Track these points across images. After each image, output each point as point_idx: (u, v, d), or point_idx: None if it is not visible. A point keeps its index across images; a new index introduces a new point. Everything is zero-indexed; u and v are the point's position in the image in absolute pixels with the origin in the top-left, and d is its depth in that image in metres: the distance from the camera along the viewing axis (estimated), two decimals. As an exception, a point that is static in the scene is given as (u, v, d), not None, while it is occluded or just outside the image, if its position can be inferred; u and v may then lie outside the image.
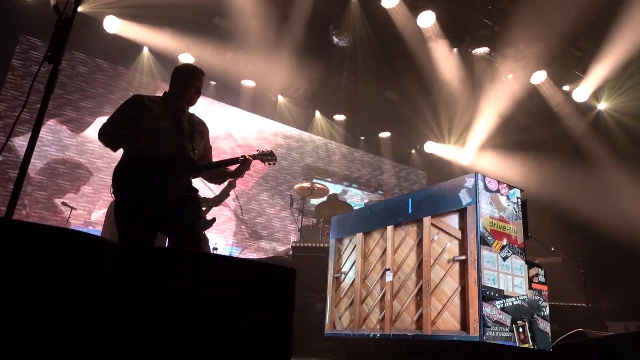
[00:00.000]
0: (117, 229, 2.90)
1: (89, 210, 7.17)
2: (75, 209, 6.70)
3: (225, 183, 5.63)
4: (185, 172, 3.04)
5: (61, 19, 1.97)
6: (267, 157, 3.43)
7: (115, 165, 3.03)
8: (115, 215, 2.92)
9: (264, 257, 8.25)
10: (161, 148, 2.99)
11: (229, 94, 8.78)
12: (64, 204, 6.62)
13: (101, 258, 1.06)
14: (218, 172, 3.33)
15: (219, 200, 6.08)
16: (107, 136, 3.04)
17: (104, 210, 6.77)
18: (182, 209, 2.96)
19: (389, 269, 4.02)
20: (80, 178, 7.20)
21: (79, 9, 2.10)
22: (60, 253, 1.04)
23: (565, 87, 8.28)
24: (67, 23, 1.96)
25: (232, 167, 3.36)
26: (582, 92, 8.02)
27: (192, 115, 3.30)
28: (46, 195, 6.90)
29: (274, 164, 3.46)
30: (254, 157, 3.36)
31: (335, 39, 7.44)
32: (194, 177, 3.16)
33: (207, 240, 5.92)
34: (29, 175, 6.84)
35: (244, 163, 3.26)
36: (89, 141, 7.38)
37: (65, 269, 1.07)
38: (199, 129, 3.25)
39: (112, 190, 2.93)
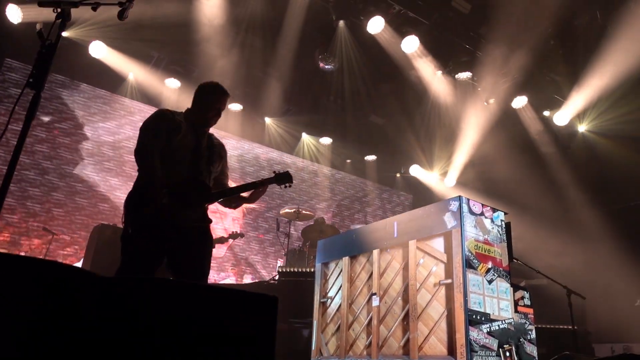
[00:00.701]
0: (123, 258, 2.71)
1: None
2: (57, 235, 6.58)
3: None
4: (200, 200, 2.89)
5: (45, 45, 1.97)
6: (283, 180, 3.22)
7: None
8: (123, 244, 2.73)
9: (250, 282, 8.15)
10: (178, 171, 2.83)
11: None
12: (45, 229, 6.50)
13: (79, 291, 1.04)
14: (231, 198, 3.16)
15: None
16: (144, 150, 2.77)
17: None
18: (192, 246, 2.79)
19: (375, 294, 4.00)
20: (52, 201, 7.08)
21: (64, 34, 2.10)
22: (36, 286, 1.01)
23: (546, 112, 8.48)
24: (51, 49, 1.96)
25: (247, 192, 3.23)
26: (562, 116, 8.20)
27: (212, 135, 3.14)
28: (16, 220, 6.76)
29: (290, 186, 3.24)
30: (270, 181, 3.16)
31: (321, 64, 7.54)
32: (209, 204, 3.01)
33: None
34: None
35: (259, 189, 3.10)
36: (65, 163, 7.30)
37: (43, 302, 1.04)
38: (217, 151, 3.10)
39: (123, 219, 2.73)
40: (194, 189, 2.86)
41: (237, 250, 8.64)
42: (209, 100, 3.01)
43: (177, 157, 2.84)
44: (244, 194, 3.15)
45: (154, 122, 2.88)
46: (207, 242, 2.90)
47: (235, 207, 3.33)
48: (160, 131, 2.83)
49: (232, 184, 3.26)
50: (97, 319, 1.08)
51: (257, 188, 3.09)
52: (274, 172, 3.25)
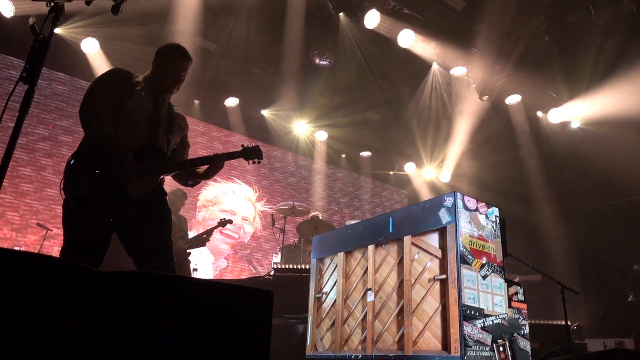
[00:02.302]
0: (65, 233, 2.43)
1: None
2: (51, 230, 6.55)
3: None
4: (155, 169, 2.55)
5: (38, 39, 1.95)
6: (252, 154, 2.93)
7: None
8: (63, 216, 2.44)
9: (245, 277, 8.16)
10: (132, 137, 2.53)
11: (212, 113, 8.78)
12: (39, 225, 6.46)
13: (73, 284, 1.04)
14: (190, 172, 2.83)
15: (204, 240, 5.88)
16: (93, 112, 2.47)
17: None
18: (148, 217, 2.48)
19: (370, 289, 4.01)
20: (50, 197, 7.05)
21: (56, 30, 2.08)
22: (29, 280, 1.01)
23: (539, 113, 8.54)
24: (44, 44, 1.94)
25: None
26: (556, 114, 8.24)
27: (173, 106, 2.86)
28: (18, 216, 6.74)
29: (259, 162, 2.96)
30: (237, 155, 2.89)
31: (317, 59, 7.52)
32: (164, 175, 2.68)
33: (188, 262, 5.81)
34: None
35: (215, 163, 2.77)
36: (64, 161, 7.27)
37: (36, 297, 1.04)
38: (178, 122, 2.82)
39: (61, 185, 2.38)
40: (148, 156, 2.54)
41: (236, 247, 8.64)
42: (168, 64, 2.72)
43: (131, 121, 2.56)
44: (200, 169, 2.83)
45: (106, 80, 2.60)
46: (160, 216, 2.59)
47: (191, 185, 2.98)
48: (110, 92, 2.55)
49: None
50: (91, 314, 1.08)
51: (222, 160, 2.80)
52: (242, 145, 2.96)
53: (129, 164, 2.42)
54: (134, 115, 2.58)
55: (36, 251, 6.27)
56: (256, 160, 2.95)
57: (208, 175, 2.83)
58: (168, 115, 2.76)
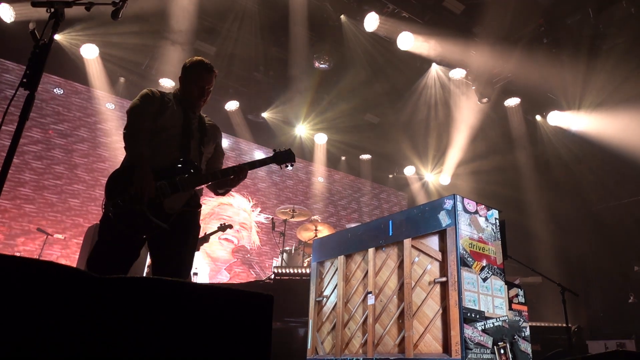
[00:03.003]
0: (97, 243, 2.54)
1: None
2: (51, 235, 6.55)
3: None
4: (189, 183, 2.65)
5: (38, 45, 1.96)
6: (284, 159, 2.96)
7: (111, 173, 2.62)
8: (100, 228, 2.56)
9: (245, 281, 8.15)
10: (167, 152, 2.65)
11: (210, 117, 8.79)
12: (39, 230, 6.46)
13: (73, 291, 1.04)
14: (219, 182, 2.88)
15: (203, 240, 5.90)
16: (131, 132, 2.60)
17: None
18: (176, 233, 2.57)
19: (370, 292, 4.01)
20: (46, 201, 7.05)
21: (56, 37, 2.09)
22: (31, 287, 1.01)
23: (540, 111, 8.54)
24: (45, 49, 1.95)
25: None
26: (556, 116, 8.26)
27: (204, 117, 2.95)
28: (15, 221, 6.74)
29: (292, 165, 2.99)
30: (270, 160, 2.92)
31: (316, 63, 7.55)
32: (198, 187, 2.77)
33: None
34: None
35: (239, 173, 2.82)
36: (56, 163, 7.27)
37: (37, 303, 1.04)
38: (210, 132, 2.90)
39: (104, 202, 2.53)
40: (183, 170, 2.65)
41: (237, 249, 8.64)
42: (191, 78, 2.83)
43: (165, 136, 2.67)
44: (230, 178, 2.87)
45: (140, 102, 2.71)
46: (192, 229, 2.70)
47: (223, 194, 3.00)
48: (146, 111, 2.68)
49: None
50: (91, 319, 1.09)
51: (254, 168, 2.90)
52: (274, 150, 2.99)
53: (148, 182, 2.51)
54: (169, 131, 2.69)
55: (37, 256, 6.28)
56: (289, 164, 2.99)
57: (233, 184, 2.89)
58: (199, 127, 2.85)
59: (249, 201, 9.14)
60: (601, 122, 7.88)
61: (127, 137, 2.63)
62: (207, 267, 8.19)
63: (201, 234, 5.92)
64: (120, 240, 2.53)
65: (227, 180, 2.86)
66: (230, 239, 8.57)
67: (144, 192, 2.48)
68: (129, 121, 2.66)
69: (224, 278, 8.33)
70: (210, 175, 2.77)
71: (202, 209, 2.85)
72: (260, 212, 9.19)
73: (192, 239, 2.70)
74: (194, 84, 2.82)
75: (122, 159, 2.71)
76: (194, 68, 2.85)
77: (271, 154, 2.98)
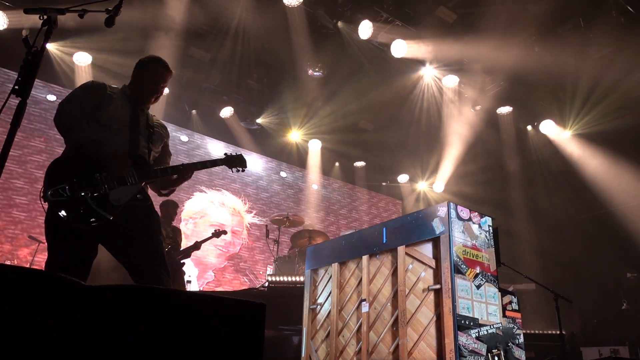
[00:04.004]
0: (48, 245, 2.40)
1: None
2: (44, 243, 6.48)
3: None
4: (139, 176, 2.54)
5: (31, 52, 1.96)
6: (235, 163, 2.98)
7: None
8: (45, 227, 2.41)
9: (239, 289, 8.11)
10: (112, 144, 2.53)
11: (206, 124, 8.79)
12: (31, 237, 6.41)
13: (63, 299, 1.03)
14: (162, 181, 2.81)
15: (194, 248, 5.84)
16: (68, 118, 2.50)
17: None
18: (134, 224, 2.46)
19: (364, 300, 4.00)
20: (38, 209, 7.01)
21: (49, 46, 2.08)
22: (19, 295, 1.00)
23: (529, 127, 8.67)
24: (37, 56, 1.94)
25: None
26: (549, 125, 8.36)
27: (152, 115, 2.88)
28: (9, 229, 6.69)
29: (243, 170, 3.01)
30: (220, 162, 2.93)
31: (310, 71, 7.58)
32: (146, 182, 2.66)
33: (182, 273, 5.76)
34: (-5, 208, 6.63)
35: (183, 173, 2.76)
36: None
37: (25, 312, 1.03)
38: (158, 130, 2.84)
39: (42, 192, 2.34)
40: (131, 163, 2.54)
41: (230, 256, 8.60)
42: (148, 75, 2.76)
43: (111, 130, 2.57)
44: (174, 176, 2.82)
45: (80, 91, 2.61)
46: (149, 216, 2.58)
47: (166, 194, 2.94)
48: (85, 102, 2.58)
49: None
50: (80, 328, 1.07)
51: (205, 168, 2.88)
52: (225, 153, 3.00)
53: (125, 161, 2.49)
54: (112, 125, 2.59)
55: (28, 264, 6.21)
56: (240, 168, 3.00)
57: (177, 183, 2.84)
58: (147, 125, 2.77)
59: (244, 203, 9.10)
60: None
61: (66, 122, 2.52)
62: (195, 269, 8.14)
63: (193, 241, 5.91)
64: (68, 236, 2.37)
65: (171, 179, 2.81)
66: (222, 250, 8.52)
67: (121, 170, 2.45)
68: (65, 108, 2.53)
69: (209, 277, 8.29)
70: (160, 171, 2.68)
71: (185, 205, 2.77)
72: (255, 214, 9.16)
73: (149, 234, 2.54)
74: (149, 80, 2.76)
75: None
76: (152, 64, 2.80)
77: (222, 157, 2.97)
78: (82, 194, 2.35)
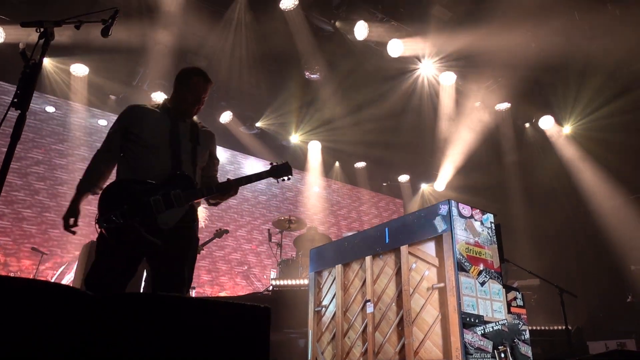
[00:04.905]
0: (95, 260, 2.51)
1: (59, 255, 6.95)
2: (47, 254, 6.50)
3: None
4: (183, 199, 2.57)
5: (29, 64, 1.97)
6: (281, 172, 2.92)
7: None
8: (97, 246, 2.55)
9: (243, 294, 8.11)
10: (158, 164, 2.60)
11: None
12: (34, 249, 6.42)
13: (72, 310, 1.04)
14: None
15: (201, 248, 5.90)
16: (94, 156, 2.69)
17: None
18: (171, 250, 2.54)
19: (369, 300, 4.00)
20: (47, 222, 7.02)
21: (45, 61, 2.10)
22: (26, 307, 1.01)
23: (527, 124, 8.70)
24: (35, 69, 1.95)
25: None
26: (547, 121, 8.40)
27: (196, 124, 2.88)
28: (10, 241, 6.69)
29: (289, 179, 2.95)
30: (266, 174, 2.89)
31: (307, 73, 7.59)
32: (194, 201, 2.70)
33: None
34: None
35: (231, 189, 2.75)
36: (58, 183, 7.26)
37: (33, 323, 1.04)
38: (202, 140, 2.83)
39: (97, 217, 2.48)
40: (177, 184, 2.58)
41: (234, 264, 8.61)
42: (188, 86, 2.80)
43: (149, 147, 2.63)
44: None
45: (118, 118, 2.77)
46: (190, 243, 2.66)
47: (214, 204, 2.96)
48: (120, 126, 2.70)
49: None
50: (87, 337, 1.08)
51: (251, 182, 2.83)
52: (271, 163, 2.94)
53: (72, 209, 2.56)
54: (149, 141, 2.64)
55: (31, 276, 6.23)
56: (285, 178, 2.95)
57: (224, 198, 2.85)
58: (191, 136, 2.79)
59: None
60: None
61: (92, 159, 2.73)
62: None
63: None
64: (116, 257, 2.50)
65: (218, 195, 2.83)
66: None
67: (63, 219, 2.53)
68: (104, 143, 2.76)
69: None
70: (206, 190, 2.70)
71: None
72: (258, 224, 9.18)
73: (190, 254, 2.66)
74: (189, 92, 2.79)
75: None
76: (191, 76, 2.84)
77: (268, 167, 2.95)
78: (132, 220, 2.45)
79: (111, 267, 2.50)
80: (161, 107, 2.82)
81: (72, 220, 2.54)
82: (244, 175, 2.85)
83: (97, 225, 2.48)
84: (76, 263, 6.19)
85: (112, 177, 2.71)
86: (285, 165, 2.94)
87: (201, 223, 2.91)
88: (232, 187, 2.75)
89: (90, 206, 2.58)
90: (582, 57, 6.93)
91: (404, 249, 3.78)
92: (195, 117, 2.91)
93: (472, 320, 3.20)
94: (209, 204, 2.95)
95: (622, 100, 7.34)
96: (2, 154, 1.77)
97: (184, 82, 2.82)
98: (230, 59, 7.28)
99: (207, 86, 2.85)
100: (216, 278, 8.37)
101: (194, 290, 6.43)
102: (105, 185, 2.62)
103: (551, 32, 6.82)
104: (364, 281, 4.13)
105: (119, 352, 1.10)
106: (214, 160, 2.99)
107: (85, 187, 2.63)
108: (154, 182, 2.57)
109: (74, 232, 2.56)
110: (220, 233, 5.94)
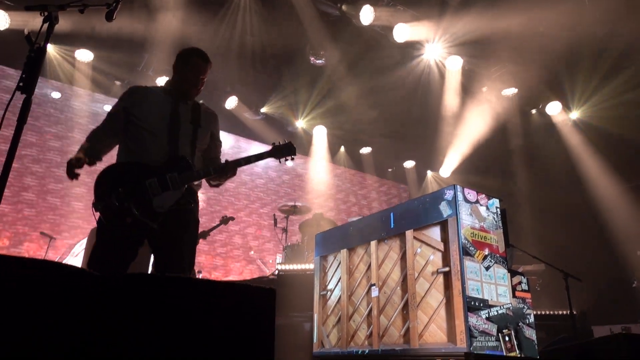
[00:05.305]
0: (96, 243, 2.53)
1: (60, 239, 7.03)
2: (55, 238, 6.57)
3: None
4: (180, 181, 2.56)
5: (33, 49, 1.97)
6: (283, 152, 2.87)
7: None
8: (97, 230, 2.56)
9: (249, 278, 8.18)
10: (155, 146, 2.60)
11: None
12: (42, 233, 6.49)
13: (78, 289, 1.05)
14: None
15: (203, 236, 5.92)
16: (96, 132, 2.74)
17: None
18: (172, 226, 2.54)
19: (374, 284, 4.02)
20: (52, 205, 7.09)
21: (50, 47, 2.10)
22: (35, 286, 1.02)
23: (533, 111, 8.62)
24: (40, 53, 1.95)
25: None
26: (554, 107, 8.33)
27: (199, 105, 2.85)
28: (19, 225, 6.77)
29: (292, 159, 2.91)
30: (268, 155, 2.85)
31: (312, 58, 7.53)
32: (189, 183, 2.66)
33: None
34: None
35: (227, 170, 2.72)
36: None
37: (41, 302, 1.05)
38: (204, 122, 2.80)
39: (93, 202, 2.49)
40: (174, 167, 2.57)
41: (238, 246, 8.67)
42: (188, 67, 2.77)
43: (149, 128, 2.63)
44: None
45: (119, 99, 2.79)
46: (188, 225, 2.66)
47: (216, 186, 2.93)
48: (120, 107, 2.72)
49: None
50: (94, 316, 1.10)
51: (251, 162, 2.79)
52: (273, 143, 2.90)
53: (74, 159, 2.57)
54: (149, 123, 2.64)
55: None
56: (289, 157, 2.90)
57: (222, 179, 2.81)
58: (192, 118, 2.76)
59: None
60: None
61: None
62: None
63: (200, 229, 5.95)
64: (115, 240, 2.50)
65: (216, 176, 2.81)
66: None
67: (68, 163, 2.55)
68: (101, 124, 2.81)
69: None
70: (203, 172, 2.69)
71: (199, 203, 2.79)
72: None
73: (187, 236, 2.65)
74: (189, 72, 2.77)
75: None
76: (189, 56, 2.80)
77: (270, 148, 2.90)
78: (127, 203, 2.44)
79: (111, 249, 2.50)
80: (163, 90, 2.82)
81: (76, 162, 2.55)
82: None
83: (93, 210, 2.49)
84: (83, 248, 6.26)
85: (113, 159, 2.71)
86: (287, 145, 2.90)
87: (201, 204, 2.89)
88: (230, 168, 2.73)
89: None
90: (591, 42, 6.82)
91: (409, 233, 3.79)
92: (201, 101, 2.91)
93: (477, 304, 3.21)
94: (210, 186, 2.93)
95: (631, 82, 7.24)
96: (5, 138, 1.78)
97: (185, 62, 2.79)
98: (236, 44, 7.23)
99: (206, 66, 2.82)
100: (223, 264, 8.44)
101: (200, 274, 6.48)
102: (103, 168, 2.61)
103: (560, 15, 6.71)
104: (369, 265, 4.16)
105: (122, 332, 1.11)
106: (216, 142, 2.96)
107: (84, 146, 2.67)
108: (151, 164, 2.56)
109: (76, 176, 2.56)
110: (226, 220, 5.98)
